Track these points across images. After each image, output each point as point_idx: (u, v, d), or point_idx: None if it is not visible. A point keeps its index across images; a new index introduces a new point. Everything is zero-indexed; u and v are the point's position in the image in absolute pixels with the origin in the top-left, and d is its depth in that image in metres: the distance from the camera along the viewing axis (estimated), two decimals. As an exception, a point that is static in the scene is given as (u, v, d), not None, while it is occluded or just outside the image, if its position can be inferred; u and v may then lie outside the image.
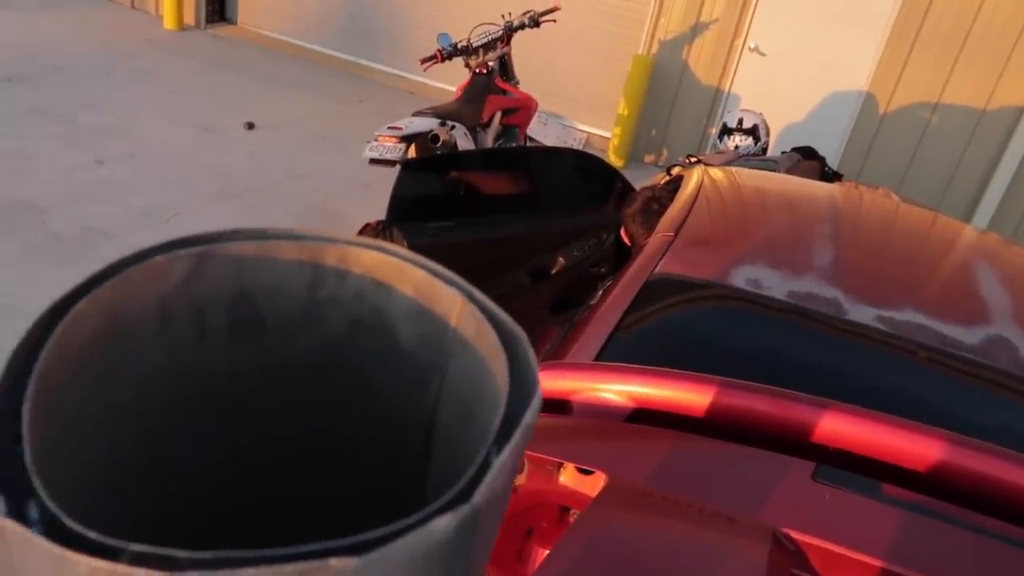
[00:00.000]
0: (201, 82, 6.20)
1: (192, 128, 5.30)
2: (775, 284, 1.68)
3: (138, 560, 0.26)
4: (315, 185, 4.83)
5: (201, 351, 0.41)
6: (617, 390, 1.20)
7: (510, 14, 4.37)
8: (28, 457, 0.29)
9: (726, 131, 3.98)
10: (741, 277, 1.69)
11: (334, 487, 0.49)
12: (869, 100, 5.70)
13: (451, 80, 5.71)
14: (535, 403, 0.35)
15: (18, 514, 0.28)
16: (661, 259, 1.74)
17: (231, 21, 7.75)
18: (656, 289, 1.64)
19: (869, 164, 5.79)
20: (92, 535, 0.27)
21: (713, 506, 0.98)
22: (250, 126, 5.46)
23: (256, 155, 5.09)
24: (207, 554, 0.26)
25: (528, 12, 4.28)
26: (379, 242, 0.41)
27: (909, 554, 0.96)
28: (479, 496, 0.30)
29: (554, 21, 4.34)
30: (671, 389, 1.17)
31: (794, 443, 1.14)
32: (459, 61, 4.26)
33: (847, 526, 0.99)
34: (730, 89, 6.03)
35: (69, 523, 0.27)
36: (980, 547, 1.01)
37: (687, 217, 1.97)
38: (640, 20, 6.14)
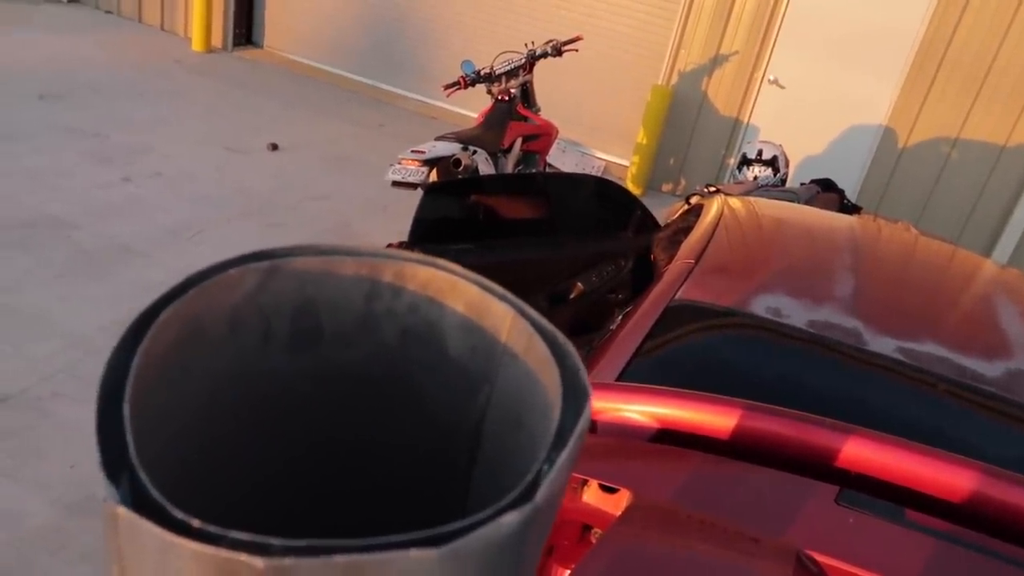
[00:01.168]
0: (227, 103, 6.32)
1: (217, 148, 5.39)
2: (794, 313, 1.69)
3: (237, 546, 0.28)
4: (335, 206, 4.89)
5: (265, 357, 0.44)
6: (641, 410, 1.22)
7: (533, 43, 4.44)
8: (132, 451, 0.32)
9: (745, 162, 4.00)
10: (760, 305, 1.70)
11: (384, 484, 0.51)
12: (888, 134, 5.72)
13: (471, 106, 5.79)
14: (587, 411, 0.37)
15: (129, 502, 0.30)
16: (682, 285, 1.75)
17: (257, 44, 7.91)
18: (676, 315, 1.66)
19: (888, 197, 5.79)
20: (196, 522, 0.29)
21: (737, 526, 0.99)
22: (274, 147, 5.55)
23: (279, 175, 5.16)
24: (300, 542, 0.28)
25: (551, 41, 4.35)
26: (433, 259, 0.44)
27: None
28: (540, 496, 0.32)
29: (576, 51, 4.41)
30: (695, 411, 1.18)
31: (816, 467, 1.15)
32: (482, 88, 4.33)
33: (870, 550, 0.99)
34: (749, 120, 6.07)
35: (174, 511, 0.30)
36: (999, 572, 1.01)
37: (708, 245, 1.99)
38: (661, 51, 6.21)
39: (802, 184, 3.94)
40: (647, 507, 1.01)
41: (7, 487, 2.46)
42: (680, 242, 2.18)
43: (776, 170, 3.95)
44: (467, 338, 0.44)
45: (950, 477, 1.09)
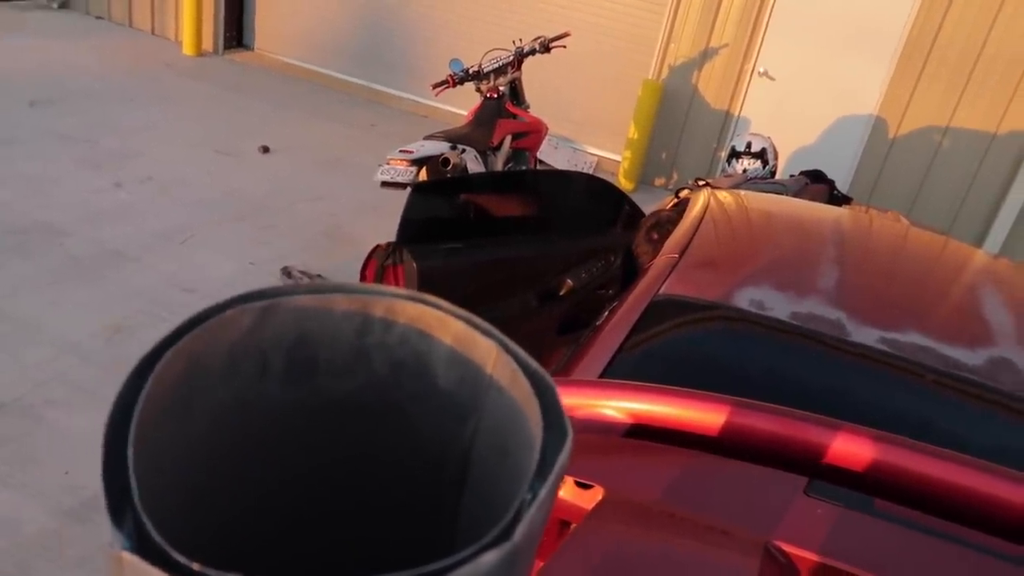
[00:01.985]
0: (218, 106, 6.32)
1: (208, 151, 5.39)
2: (778, 305, 1.70)
3: None
4: (328, 207, 4.89)
5: (262, 390, 0.47)
6: (616, 406, 1.23)
7: (521, 40, 4.44)
8: (136, 496, 0.33)
9: (734, 154, 4.01)
10: (745, 299, 1.71)
11: (377, 511, 0.53)
12: (879, 124, 5.72)
13: (462, 105, 5.79)
14: (567, 446, 0.39)
15: (132, 545, 0.32)
16: (665, 280, 1.76)
17: (248, 47, 7.90)
18: (661, 309, 1.67)
19: (879, 188, 5.80)
20: (196, 566, 0.31)
21: (707, 519, 1.00)
22: (265, 150, 5.56)
23: (270, 178, 5.17)
24: None
25: (539, 38, 4.35)
26: (424, 295, 0.46)
27: (899, 568, 0.97)
28: (519, 534, 0.34)
29: (564, 47, 4.41)
30: (667, 405, 1.19)
31: (788, 458, 1.16)
32: (470, 86, 4.33)
33: (838, 539, 1.00)
34: (740, 113, 6.08)
35: (175, 555, 0.31)
36: (973, 563, 1.02)
37: (692, 239, 1.99)
38: (650, 45, 6.21)
39: (791, 176, 3.95)
40: (618, 502, 1.02)
41: (2, 494, 2.47)
42: (659, 236, 2.19)
43: (765, 162, 3.96)
44: (455, 370, 0.47)
45: (916, 464, 1.10)
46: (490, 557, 0.32)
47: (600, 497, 1.04)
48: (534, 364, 0.43)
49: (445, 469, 0.50)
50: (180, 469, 0.42)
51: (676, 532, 0.98)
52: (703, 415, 1.18)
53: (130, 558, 0.31)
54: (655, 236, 2.31)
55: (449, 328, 0.46)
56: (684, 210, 2.36)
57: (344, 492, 0.52)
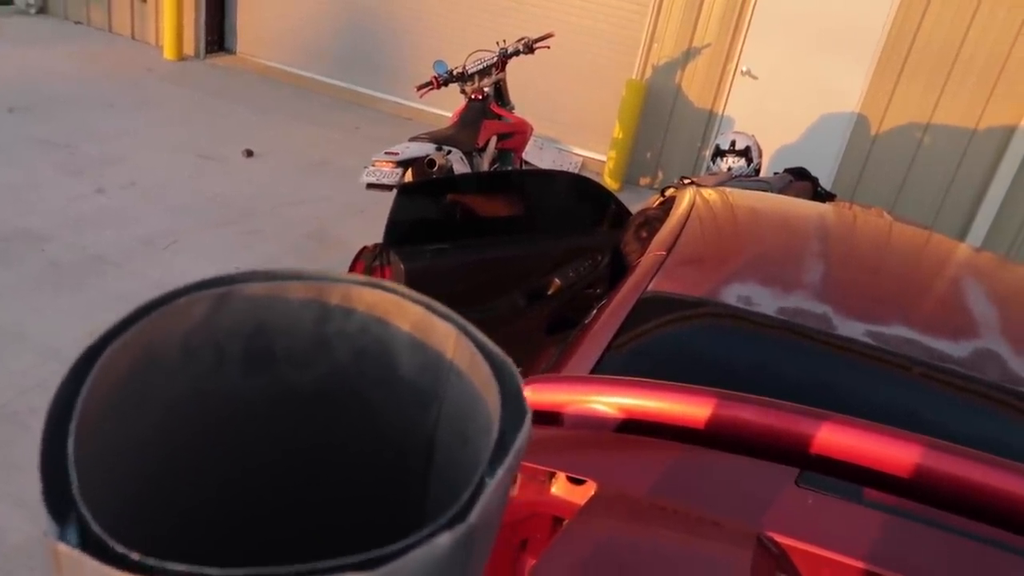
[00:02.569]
0: (200, 111, 6.28)
1: (191, 156, 5.36)
2: (765, 301, 1.70)
3: None
4: (312, 211, 4.87)
5: (220, 381, 0.45)
6: (607, 402, 1.23)
7: (504, 41, 4.44)
8: (74, 485, 0.32)
9: (719, 153, 4.03)
10: (732, 294, 1.71)
11: (343, 499, 0.52)
12: (861, 122, 5.77)
13: (447, 106, 5.78)
14: (525, 428, 0.38)
15: (69, 538, 0.31)
16: (653, 277, 1.76)
17: (230, 51, 7.86)
18: (649, 307, 1.67)
19: (863, 184, 5.85)
20: (134, 556, 0.30)
21: (699, 512, 1.00)
22: (249, 154, 5.52)
23: (255, 182, 5.14)
24: (237, 571, 0.29)
25: (522, 39, 4.36)
26: (380, 281, 0.45)
27: (889, 556, 0.98)
28: (475, 515, 0.33)
29: (548, 48, 4.41)
30: (658, 400, 1.19)
31: (779, 451, 1.16)
32: (455, 87, 4.32)
33: (829, 529, 1.01)
34: (723, 112, 6.11)
35: (113, 544, 0.30)
36: (959, 548, 1.02)
37: (679, 236, 2.00)
38: (633, 45, 6.23)
39: (775, 173, 3.98)
40: (610, 496, 1.02)
41: (-15, 504, 2.43)
42: (647, 234, 2.20)
43: (750, 160, 3.98)
44: (416, 356, 0.46)
45: (905, 454, 1.11)
46: (444, 539, 0.32)
47: (592, 492, 1.04)
48: (493, 347, 0.42)
49: (410, 456, 0.49)
50: (134, 461, 0.41)
51: (669, 525, 0.98)
52: (694, 409, 1.18)
53: (66, 550, 0.30)
54: (643, 234, 2.31)
55: (407, 314, 0.45)
56: (670, 208, 2.36)
57: (308, 481, 0.52)
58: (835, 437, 1.13)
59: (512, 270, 2.85)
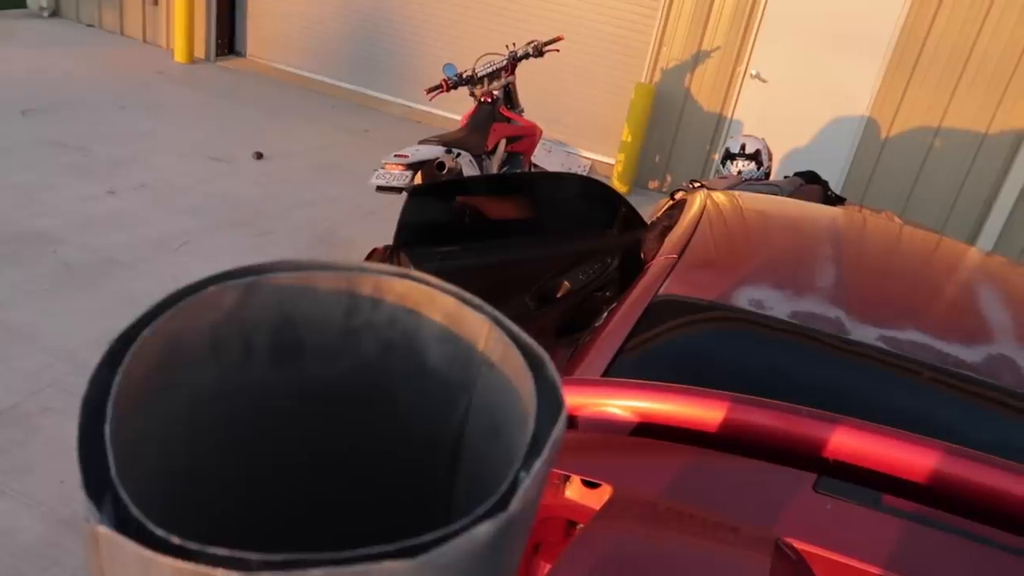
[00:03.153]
0: (210, 113, 6.30)
1: (202, 158, 5.38)
2: (777, 305, 1.70)
3: (215, 562, 0.29)
4: (322, 213, 4.88)
5: (246, 374, 0.45)
6: (622, 405, 1.23)
7: (514, 44, 4.45)
8: (114, 472, 0.32)
9: (729, 156, 4.02)
10: (743, 298, 1.71)
11: (367, 494, 0.52)
12: (871, 125, 5.75)
13: (456, 109, 5.80)
14: (562, 419, 0.38)
15: (111, 521, 0.31)
16: (665, 281, 1.76)
17: (240, 54, 7.89)
18: (660, 310, 1.67)
19: (872, 188, 5.82)
20: (175, 539, 0.30)
21: (716, 516, 1.00)
22: (259, 156, 5.54)
23: (264, 184, 5.16)
24: (277, 556, 0.29)
25: (532, 42, 4.36)
26: (411, 271, 0.44)
27: (908, 563, 0.97)
28: (514, 506, 0.33)
29: (557, 51, 4.42)
30: (674, 403, 1.19)
31: (796, 456, 1.15)
32: (464, 90, 4.33)
33: (848, 535, 1.00)
34: (732, 115, 6.10)
35: (154, 528, 0.30)
36: (979, 555, 1.02)
37: (690, 240, 2.00)
38: (643, 49, 6.23)
39: (785, 177, 3.97)
40: (627, 500, 1.01)
41: (-3, 504, 2.45)
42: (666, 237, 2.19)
43: (760, 164, 3.97)
44: (445, 349, 0.45)
45: (925, 460, 1.10)
46: (485, 528, 0.32)
47: (608, 496, 1.04)
48: (527, 338, 0.42)
49: (438, 451, 0.48)
50: (162, 454, 0.41)
51: (685, 530, 0.97)
52: (709, 412, 1.17)
53: (106, 532, 0.30)
54: (660, 238, 2.32)
55: (439, 305, 0.44)
56: (681, 211, 2.36)
57: (336, 476, 0.51)
58: (853, 442, 1.13)
59: (522, 273, 2.85)
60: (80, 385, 3.01)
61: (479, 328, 0.43)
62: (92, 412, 0.34)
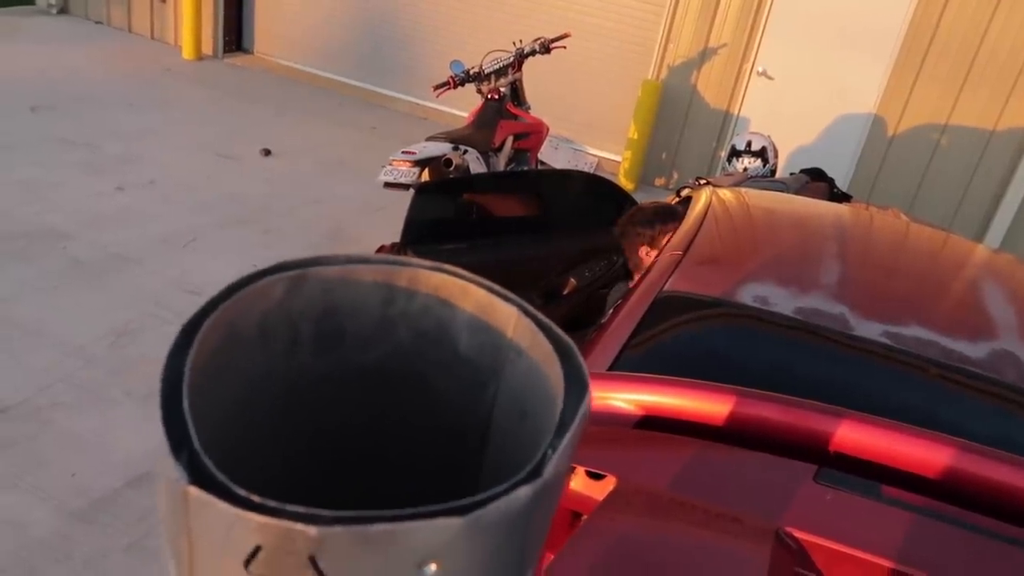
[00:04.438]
0: (218, 110, 6.33)
1: (210, 155, 5.41)
2: (781, 301, 1.71)
3: (294, 517, 0.33)
4: (330, 210, 4.91)
5: (292, 361, 0.49)
6: (626, 398, 1.24)
7: (521, 41, 4.46)
8: (195, 439, 0.37)
9: (735, 153, 4.02)
10: (748, 294, 1.72)
11: (401, 472, 0.56)
12: (877, 122, 5.74)
13: (464, 106, 5.81)
14: (587, 400, 0.42)
15: (198, 482, 0.34)
16: (670, 276, 1.77)
17: (248, 51, 7.92)
18: (665, 306, 1.68)
19: (879, 185, 5.82)
20: (256, 498, 0.34)
21: (718, 507, 1.01)
22: (266, 153, 5.57)
23: (272, 181, 5.18)
24: (345, 513, 0.33)
25: (539, 39, 4.37)
26: (445, 265, 0.48)
27: (907, 551, 0.99)
28: (548, 471, 0.37)
29: (564, 48, 4.43)
30: (677, 396, 1.21)
31: (797, 448, 1.17)
32: (471, 87, 4.34)
33: (847, 525, 1.02)
34: (739, 113, 6.09)
35: (237, 489, 0.34)
36: (977, 546, 1.03)
37: (695, 236, 2.01)
38: (649, 46, 6.23)
39: (791, 174, 3.97)
40: (630, 491, 1.03)
41: (10, 496, 2.48)
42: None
43: (766, 161, 3.97)
44: (476, 337, 0.49)
45: (924, 453, 1.11)
46: (524, 491, 0.35)
47: (611, 488, 1.06)
48: (553, 326, 0.45)
49: (467, 433, 0.52)
50: (220, 430, 0.45)
51: (688, 521, 0.99)
52: (712, 405, 1.19)
53: (197, 492, 0.33)
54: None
55: (470, 295, 0.48)
56: (686, 208, 2.37)
57: (370, 457, 0.55)
58: (854, 435, 1.14)
59: (528, 269, 2.86)
60: (90, 380, 3.04)
61: (507, 317, 0.47)
62: (172, 387, 0.39)
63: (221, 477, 0.35)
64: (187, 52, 7.47)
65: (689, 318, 1.67)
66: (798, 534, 0.99)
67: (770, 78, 5.94)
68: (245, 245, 4.28)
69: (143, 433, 2.82)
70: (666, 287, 1.73)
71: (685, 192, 2.88)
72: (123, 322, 3.42)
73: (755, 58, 5.92)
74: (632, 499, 1.01)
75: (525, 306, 0.46)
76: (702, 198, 2.35)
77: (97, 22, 8.08)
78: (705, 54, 6.04)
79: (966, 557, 1.01)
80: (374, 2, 7.12)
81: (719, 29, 5.94)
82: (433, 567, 0.34)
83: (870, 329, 1.64)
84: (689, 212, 2.26)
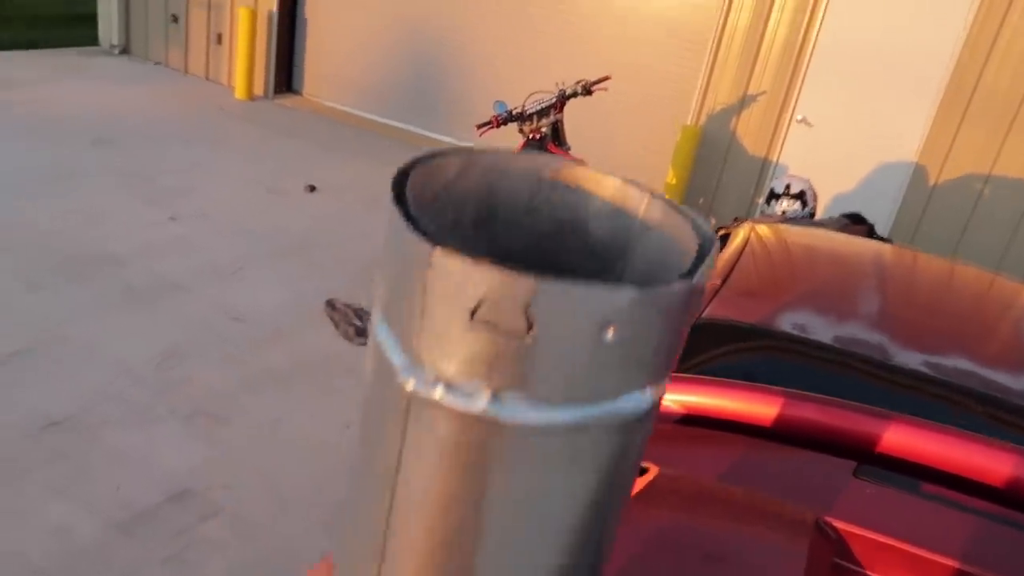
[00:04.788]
0: (267, 148, 6.55)
1: (258, 190, 5.58)
2: (819, 331, 1.72)
3: (517, 270, 0.41)
4: (372, 244, 5.02)
5: (454, 237, 0.57)
6: (674, 399, 1.27)
7: (563, 82, 4.57)
8: (432, 227, 0.48)
9: (773, 196, 4.04)
10: (785, 323, 1.74)
11: None
12: (919, 170, 5.72)
13: (505, 146, 5.93)
14: (716, 248, 0.50)
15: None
16: (708, 304, 1.80)
17: (297, 92, 8.20)
18: (703, 332, 1.70)
19: (921, 233, 5.76)
20: (484, 259, 0.42)
21: (757, 497, 1.03)
22: (312, 189, 5.73)
23: (316, 216, 5.32)
24: (549, 275, 0.41)
25: (580, 81, 4.47)
26: (583, 162, 0.56)
27: (943, 542, 0.99)
28: (697, 276, 0.45)
29: (605, 90, 4.52)
30: (719, 397, 1.23)
31: (836, 447, 1.18)
32: (513, 127, 4.45)
33: (886, 517, 1.03)
34: (778, 159, 6.12)
35: (468, 253, 0.42)
36: (1015, 538, 1.03)
37: (734, 267, 2.03)
38: (689, 91, 6.32)
39: (830, 217, 3.97)
40: (669, 479, 1.05)
41: (59, 505, 2.55)
42: None
43: (804, 204, 3.98)
44: (609, 222, 0.57)
45: (957, 451, 1.12)
46: (682, 284, 0.43)
47: (651, 477, 1.08)
48: (683, 207, 0.53)
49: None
50: None
51: (726, 509, 1.00)
52: (754, 406, 1.21)
53: (441, 252, 0.41)
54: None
55: (605, 185, 0.56)
56: (725, 242, 2.40)
57: None
58: (895, 435, 1.15)
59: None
60: (139, 399, 3.13)
61: (639, 200, 0.55)
62: (401, 205, 0.48)
63: (452, 243, 0.42)
64: (239, 92, 7.77)
65: (725, 344, 1.69)
66: (837, 524, 1.00)
67: (810, 125, 5.97)
68: (289, 276, 4.40)
69: (185, 451, 2.89)
70: (704, 314, 1.76)
71: (723, 231, 2.91)
72: (171, 345, 3.52)
73: (795, 105, 5.97)
74: (670, 487, 1.03)
75: (655, 191, 0.54)
76: (741, 232, 2.38)
77: (156, 63, 8.46)
78: (745, 101, 6.10)
79: (1006, 551, 1.01)
80: (419, 47, 7.35)
81: (759, 76, 6.01)
82: (611, 332, 0.41)
83: (912, 360, 1.64)
84: (728, 244, 2.29)
